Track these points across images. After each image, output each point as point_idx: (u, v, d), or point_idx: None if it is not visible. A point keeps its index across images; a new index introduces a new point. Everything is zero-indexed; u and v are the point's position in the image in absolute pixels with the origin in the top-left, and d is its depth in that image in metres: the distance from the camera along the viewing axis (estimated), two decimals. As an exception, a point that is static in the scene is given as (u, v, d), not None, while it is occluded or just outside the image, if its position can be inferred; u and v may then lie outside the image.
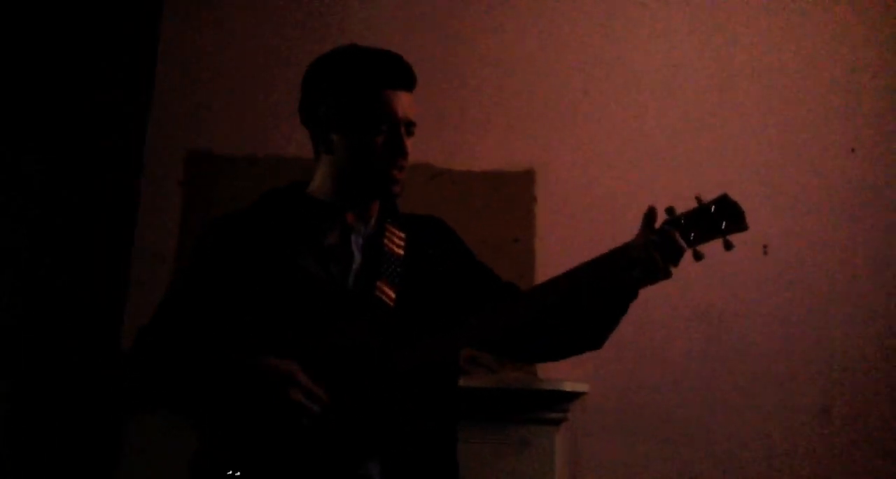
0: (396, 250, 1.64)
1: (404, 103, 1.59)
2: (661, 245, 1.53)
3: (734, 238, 1.56)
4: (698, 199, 1.57)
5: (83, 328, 3.00)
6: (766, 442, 2.94)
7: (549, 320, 1.62)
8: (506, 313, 1.57)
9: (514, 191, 3.16)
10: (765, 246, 3.06)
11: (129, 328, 2.94)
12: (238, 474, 1.44)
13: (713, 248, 1.58)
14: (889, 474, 2.90)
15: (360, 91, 1.58)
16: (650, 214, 1.58)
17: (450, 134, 3.18)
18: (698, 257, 1.55)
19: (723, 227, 1.54)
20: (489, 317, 1.57)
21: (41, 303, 3.02)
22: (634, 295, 1.60)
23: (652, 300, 2.98)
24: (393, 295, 1.58)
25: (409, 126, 1.61)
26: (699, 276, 2.99)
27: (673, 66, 3.27)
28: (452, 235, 1.78)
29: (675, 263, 1.54)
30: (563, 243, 3.05)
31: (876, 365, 2.99)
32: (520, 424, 2.88)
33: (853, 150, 3.17)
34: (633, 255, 1.54)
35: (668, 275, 1.54)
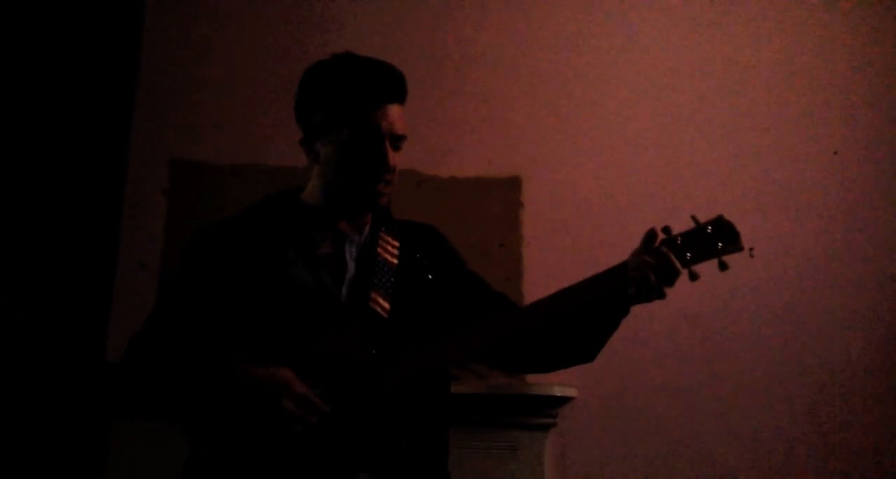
0: (390, 258, 1.64)
1: (392, 117, 1.58)
2: (656, 267, 1.53)
3: (729, 259, 1.57)
4: (695, 219, 1.57)
5: (68, 337, 2.97)
6: (755, 444, 2.95)
7: (542, 334, 1.62)
8: (500, 328, 1.57)
9: (500, 197, 3.16)
10: (751, 248, 3.06)
11: (113, 337, 2.92)
12: None
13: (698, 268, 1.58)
14: (875, 472, 2.91)
15: (347, 105, 1.57)
16: (650, 235, 1.57)
17: (436, 140, 3.18)
18: (693, 277, 1.55)
19: (719, 247, 1.55)
20: (483, 332, 1.56)
21: (25, 312, 3.00)
22: (626, 312, 1.61)
23: (639, 305, 3.00)
24: (387, 306, 1.57)
25: (396, 140, 1.60)
26: (686, 279, 3.00)
27: (657, 71, 3.28)
28: (446, 243, 1.78)
29: (671, 284, 1.54)
30: (550, 248, 3.05)
31: (861, 365, 3.01)
32: (509, 429, 2.88)
33: (836, 152, 3.19)
34: (628, 275, 1.54)
35: (662, 296, 1.54)
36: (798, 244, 3.11)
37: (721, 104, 3.24)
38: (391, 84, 1.60)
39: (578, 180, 3.18)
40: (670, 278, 1.53)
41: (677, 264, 1.52)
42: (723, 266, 1.56)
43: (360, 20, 3.29)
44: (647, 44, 3.30)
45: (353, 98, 1.57)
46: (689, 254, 1.54)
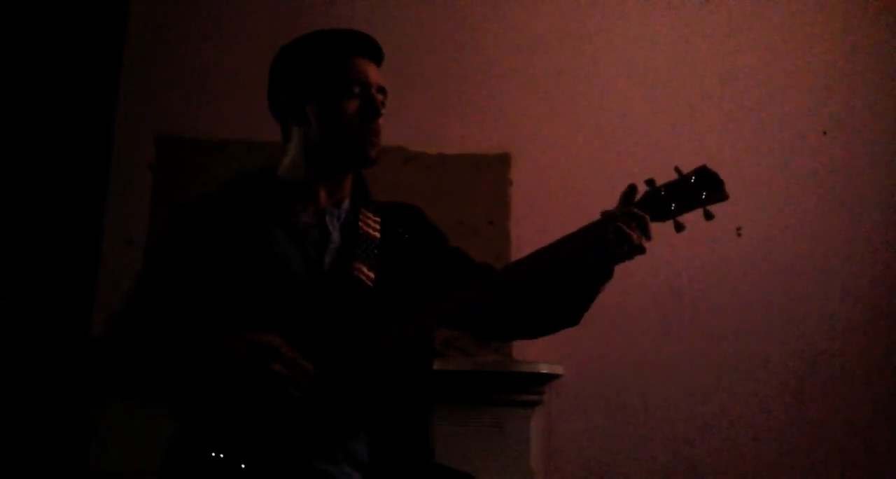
0: (372, 232, 1.64)
1: (374, 72, 1.61)
2: (623, 218, 1.52)
3: (714, 209, 1.56)
4: (678, 170, 1.57)
5: (53, 314, 2.96)
6: (740, 423, 2.97)
7: (526, 297, 1.62)
8: (479, 289, 1.57)
9: (489, 174, 3.15)
10: (738, 228, 3.08)
11: (99, 313, 2.91)
12: (222, 455, 1.43)
13: (687, 232, 1.58)
14: (859, 453, 2.94)
15: (330, 59, 1.60)
16: (629, 191, 1.58)
17: (425, 117, 3.16)
18: (679, 228, 1.55)
19: (703, 197, 1.55)
20: (464, 293, 1.56)
21: (10, 288, 2.98)
22: (609, 274, 1.60)
23: (626, 283, 3.00)
24: (371, 275, 1.57)
25: (382, 92, 1.62)
26: (673, 258, 3.01)
27: (647, 49, 3.27)
28: (426, 220, 1.78)
29: (646, 235, 1.53)
30: (539, 225, 3.05)
31: (847, 346, 3.02)
32: (495, 406, 2.89)
33: (825, 132, 3.20)
34: (600, 232, 1.53)
35: (640, 250, 1.52)
36: (786, 224, 3.12)
37: (711, 84, 3.23)
38: (365, 41, 1.63)
39: (568, 157, 3.17)
40: (641, 228, 1.52)
41: (639, 212, 1.51)
42: (708, 216, 1.56)
43: (349, -5, 3.26)
44: (638, 22, 3.29)
45: (336, 53, 1.60)
46: (673, 205, 1.54)
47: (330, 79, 1.59)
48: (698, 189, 1.55)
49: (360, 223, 1.64)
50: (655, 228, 1.55)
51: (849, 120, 3.20)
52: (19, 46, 3.16)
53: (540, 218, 3.07)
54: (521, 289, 1.58)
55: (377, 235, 1.64)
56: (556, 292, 1.61)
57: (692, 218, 1.58)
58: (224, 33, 3.25)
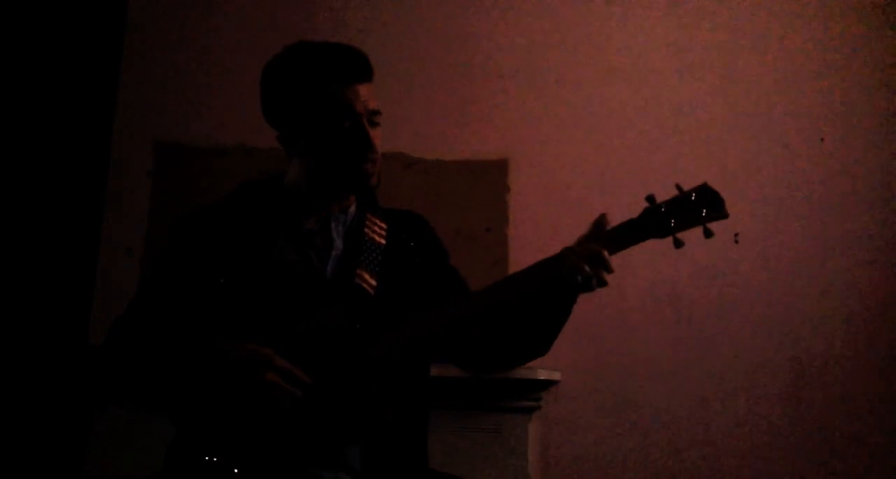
0: (378, 239, 1.64)
1: (363, 96, 1.56)
2: (589, 257, 1.50)
3: (713, 226, 1.57)
4: (678, 187, 1.57)
5: (50, 320, 2.96)
6: (737, 429, 2.97)
7: (496, 327, 1.61)
8: (477, 300, 1.56)
9: (487, 180, 3.15)
10: (736, 234, 3.08)
11: (96, 320, 2.90)
12: (215, 459, 1.43)
13: (684, 236, 1.58)
14: (854, 457, 2.95)
15: (316, 93, 1.56)
16: (599, 220, 1.55)
17: (423, 123, 3.17)
18: (678, 244, 1.56)
19: (703, 214, 1.55)
20: (464, 302, 1.56)
21: (7, 295, 2.98)
22: (573, 300, 1.57)
23: (623, 288, 3.01)
24: (374, 283, 1.58)
25: (373, 116, 1.59)
26: (670, 264, 3.02)
27: (644, 56, 3.28)
28: (432, 233, 1.78)
29: (607, 270, 1.50)
30: (537, 232, 3.05)
31: (844, 352, 3.03)
32: (493, 412, 2.90)
33: (822, 139, 3.20)
34: (564, 263, 1.51)
35: (601, 283, 1.50)
36: (783, 231, 3.12)
37: (708, 90, 3.24)
38: (354, 64, 1.58)
39: (566, 164, 3.18)
40: (601, 264, 1.49)
41: (597, 248, 1.50)
42: (708, 234, 1.56)
43: (346, 3, 3.25)
44: (635, 30, 3.29)
45: (321, 86, 1.55)
46: (673, 222, 1.54)
47: (318, 115, 1.55)
48: (698, 206, 1.55)
49: (365, 229, 1.65)
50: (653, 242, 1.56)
51: (846, 127, 3.20)
52: (17, 52, 3.17)
53: (538, 225, 3.07)
54: (488, 317, 1.57)
55: (382, 241, 1.64)
56: (523, 321, 1.59)
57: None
58: (223, 40, 3.25)
